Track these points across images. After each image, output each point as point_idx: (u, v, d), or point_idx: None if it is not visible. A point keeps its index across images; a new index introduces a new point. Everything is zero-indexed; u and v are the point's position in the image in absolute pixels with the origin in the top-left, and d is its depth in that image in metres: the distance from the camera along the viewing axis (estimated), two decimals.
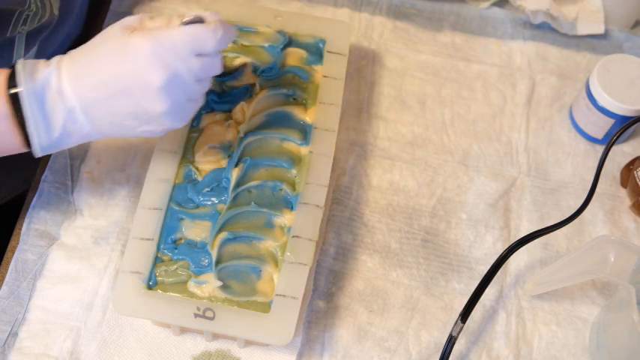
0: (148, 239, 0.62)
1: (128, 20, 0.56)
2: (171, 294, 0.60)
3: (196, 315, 0.59)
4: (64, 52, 0.79)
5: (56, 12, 0.70)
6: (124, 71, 0.54)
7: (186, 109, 0.57)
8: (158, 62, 0.53)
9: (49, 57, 0.76)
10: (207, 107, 0.69)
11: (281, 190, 0.66)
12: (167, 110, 0.55)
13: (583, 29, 0.85)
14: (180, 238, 0.63)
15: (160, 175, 0.65)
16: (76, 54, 0.56)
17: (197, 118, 0.68)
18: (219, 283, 0.61)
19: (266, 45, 0.73)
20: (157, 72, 0.53)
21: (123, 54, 0.54)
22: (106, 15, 0.83)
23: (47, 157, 0.73)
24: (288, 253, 0.62)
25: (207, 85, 0.58)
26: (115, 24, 0.56)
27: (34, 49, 0.71)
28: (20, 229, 0.69)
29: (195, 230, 0.63)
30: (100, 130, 0.57)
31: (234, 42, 0.74)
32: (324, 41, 0.75)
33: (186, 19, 0.55)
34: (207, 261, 0.62)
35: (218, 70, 0.57)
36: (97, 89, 0.55)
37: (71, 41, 0.80)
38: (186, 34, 0.54)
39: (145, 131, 0.57)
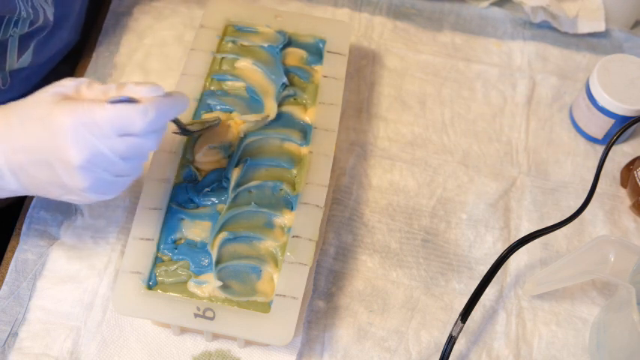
0: (148, 239, 0.62)
1: (65, 85, 0.54)
2: (171, 294, 0.60)
3: (196, 315, 0.59)
4: (62, 58, 0.79)
5: (51, 17, 0.70)
6: (45, 144, 0.52)
7: (115, 184, 0.55)
8: (78, 140, 0.51)
9: (46, 62, 0.76)
10: (207, 107, 0.69)
11: (281, 190, 0.66)
12: (89, 187, 0.53)
13: (584, 27, 0.85)
14: (180, 238, 0.63)
15: (160, 175, 0.65)
16: (9, 110, 0.54)
17: (197, 118, 0.68)
18: (219, 283, 0.61)
19: (266, 45, 0.73)
20: (76, 150, 0.51)
21: (46, 125, 0.52)
22: (106, 15, 0.83)
23: None
24: (288, 253, 0.62)
25: (141, 160, 0.55)
26: (51, 86, 0.54)
27: (29, 52, 0.71)
28: (20, 229, 0.69)
29: (195, 230, 0.63)
30: (28, 190, 0.56)
31: (234, 42, 0.74)
32: (324, 41, 0.75)
33: (113, 98, 0.52)
34: (207, 261, 0.62)
35: (153, 148, 0.54)
36: (20, 154, 0.53)
37: (70, 47, 0.79)
38: (111, 115, 0.51)
39: (71, 199, 0.55)
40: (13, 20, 0.66)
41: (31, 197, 0.71)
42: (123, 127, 0.51)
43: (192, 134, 0.65)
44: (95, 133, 0.51)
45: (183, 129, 0.62)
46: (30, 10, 0.66)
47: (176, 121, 0.61)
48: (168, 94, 0.54)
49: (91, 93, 0.53)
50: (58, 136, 0.51)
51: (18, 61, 0.70)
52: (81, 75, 0.78)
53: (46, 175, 0.53)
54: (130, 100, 0.51)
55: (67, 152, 0.51)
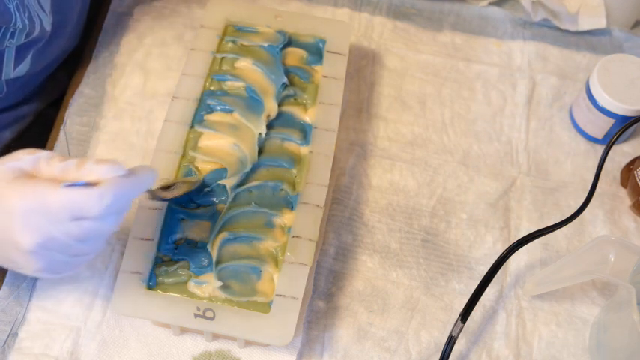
0: (148, 239, 0.62)
1: (22, 159, 0.51)
2: (171, 294, 0.60)
3: (196, 315, 0.59)
4: (60, 66, 0.79)
5: (48, 28, 0.70)
6: None
7: (72, 264, 0.53)
8: (29, 225, 0.48)
9: (43, 69, 0.76)
10: (207, 108, 0.69)
11: (281, 190, 0.66)
12: (42, 268, 0.51)
13: (584, 24, 0.85)
14: (181, 238, 0.63)
15: (160, 175, 0.65)
16: None
17: (197, 118, 0.68)
18: (220, 283, 0.61)
19: (266, 45, 0.73)
20: (28, 235, 0.49)
21: None
22: (106, 15, 0.83)
23: None
24: (288, 253, 0.62)
25: (99, 241, 0.53)
26: (9, 159, 0.51)
27: (26, 62, 0.71)
28: None
29: (195, 230, 0.63)
30: None
31: (234, 42, 0.74)
32: (324, 41, 0.75)
33: (67, 183, 0.49)
34: (207, 261, 0.62)
35: (112, 230, 0.51)
36: None
37: (67, 53, 0.79)
38: (64, 200, 0.48)
39: (27, 273, 0.53)
40: (9, 32, 0.66)
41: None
42: (77, 212, 0.49)
43: (168, 201, 0.62)
44: (48, 218, 0.48)
45: (158, 198, 0.60)
46: (26, 20, 0.66)
47: (149, 192, 0.58)
48: (130, 173, 0.51)
49: (49, 170, 0.51)
50: (9, 219, 0.49)
51: (14, 70, 0.70)
52: (81, 76, 0.78)
53: (1, 254, 0.51)
54: (87, 184, 0.49)
55: (18, 236, 0.49)
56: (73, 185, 0.49)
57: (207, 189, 0.65)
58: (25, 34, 0.67)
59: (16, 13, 0.64)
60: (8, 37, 0.66)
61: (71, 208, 0.48)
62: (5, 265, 0.54)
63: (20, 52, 0.69)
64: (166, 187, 0.62)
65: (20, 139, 0.79)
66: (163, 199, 0.61)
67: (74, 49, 0.80)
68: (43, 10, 0.68)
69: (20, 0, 0.64)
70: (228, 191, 0.65)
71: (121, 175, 0.51)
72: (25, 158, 0.51)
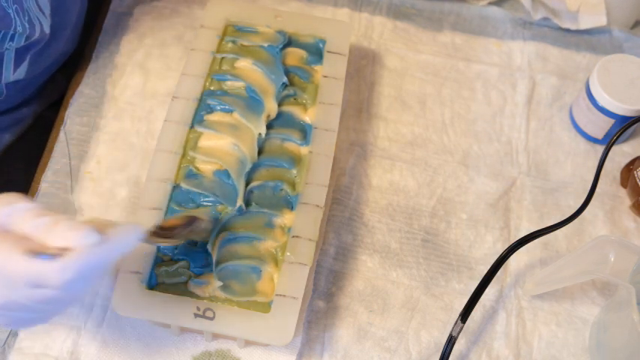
0: None
1: None
2: (171, 294, 0.60)
3: (196, 315, 0.59)
4: (59, 69, 0.79)
5: (47, 30, 0.70)
6: None
7: (37, 320, 0.51)
8: None
9: (42, 72, 0.76)
10: (207, 108, 0.69)
11: (281, 190, 0.66)
12: (5, 325, 0.50)
13: (585, 22, 0.85)
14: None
15: (160, 175, 0.65)
16: None
17: (197, 118, 0.68)
18: (220, 284, 0.61)
19: (266, 45, 0.73)
20: None
21: None
22: (106, 15, 0.83)
23: (47, 158, 0.73)
24: (288, 253, 0.62)
25: (67, 304, 0.51)
26: None
27: (24, 64, 0.71)
28: None
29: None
30: None
31: (234, 42, 0.74)
32: (324, 41, 0.75)
33: (31, 252, 0.46)
34: (207, 261, 0.62)
35: (77, 299, 0.51)
36: None
37: (66, 56, 0.79)
38: (23, 269, 0.46)
39: None
40: (9, 35, 0.66)
41: (32, 197, 0.71)
42: (36, 282, 0.47)
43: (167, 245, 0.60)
44: (6, 283, 0.47)
45: (153, 243, 0.57)
46: (26, 24, 0.66)
47: (146, 240, 0.54)
48: (104, 240, 0.48)
49: (21, 226, 0.48)
50: None
51: (14, 73, 0.70)
52: (81, 76, 0.78)
53: None
54: (50, 256, 0.46)
55: None
56: (35, 256, 0.46)
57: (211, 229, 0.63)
58: (24, 37, 0.67)
59: (16, 17, 0.64)
60: (8, 39, 0.66)
61: (30, 277, 0.47)
62: None
63: (19, 55, 0.69)
64: (168, 228, 0.59)
65: (20, 141, 0.79)
66: (164, 244, 0.58)
67: (73, 52, 0.80)
68: (43, 14, 0.68)
69: (20, 4, 0.64)
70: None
71: (92, 243, 0.47)
72: (3, 209, 0.49)
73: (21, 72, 0.71)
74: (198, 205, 0.64)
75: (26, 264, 0.46)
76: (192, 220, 0.60)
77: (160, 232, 0.57)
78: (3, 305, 0.48)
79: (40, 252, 0.46)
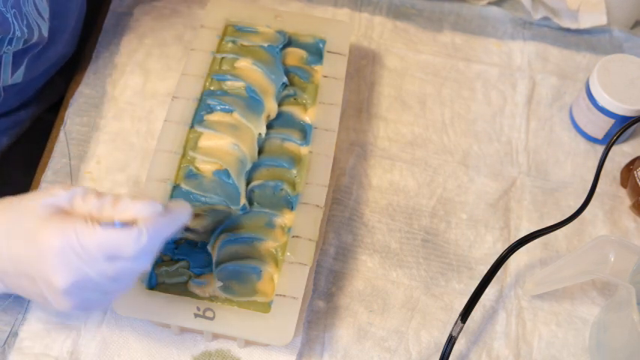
0: None
1: (57, 194, 0.50)
2: (171, 294, 0.60)
3: (196, 315, 0.59)
4: (58, 71, 0.79)
5: (45, 34, 0.69)
6: (30, 262, 0.50)
7: (102, 301, 0.53)
8: (64, 264, 0.48)
9: (40, 75, 0.76)
10: (207, 108, 0.69)
11: (281, 190, 0.66)
12: (73, 307, 0.51)
13: (585, 21, 0.85)
14: (181, 238, 0.63)
15: (160, 175, 0.65)
16: (1, 216, 0.52)
17: (197, 118, 0.68)
18: (220, 284, 0.61)
19: (266, 45, 0.73)
20: (62, 275, 0.48)
21: (31, 243, 0.49)
22: (106, 15, 0.83)
23: (47, 158, 0.73)
24: (289, 253, 0.62)
25: (131, 280, 0.52)
26: (43, 194, 0.51)
27: (22, 67, 0.71)
28: None
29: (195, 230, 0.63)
30: (17, 293, 0.55)
31: (234, 42, 0.74)
32: (324, 41, 0.75)
33: (105, 223, 0.48)
34: (207, 261, 0.62)
35: (145, 269, 0.51)
36: (6, 263, 0.51)
37: (65, 60, 0.79)
38: (101, 240, 0.48)
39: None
40: (7, 38, 0.65)
41: None
42: (113, 253, 0.48)
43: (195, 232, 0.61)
44: (83, 258, 0.48)
45: (188, 230, 0.59)
46: (25, 28, 0.65)
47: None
48: (166, 211, 0.51)
49: (85, 207, 0.50)
50: (44, 258, 0.49)
51: (12, 77, 0.70)
52: (81, 76, 0.78)
53: (31, 289, 0.51)
54: (124, 224, 0.48)
55: (52, 275, 0.49)
56: (110, 225, 0.48)
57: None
58: (22, 40, 0.67)
59: (14, 22, 0.64)
60: (6, 43, 0.66)
61: (107, 248, 0.48)
62: (36, 300, 0.54)
63: (16, 58, 0.69)
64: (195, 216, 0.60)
65: (18, 143, 0.79)
66: (193, 230, 0.60)
67: (72, 53, 0.80)
68: (42, 17, 0.68)
69: (18, 8, 0.64)
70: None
71: (158, 212, 0.50)
72: (60, 194, 0.50)
73: (19, 75, 0.71)
74: (204, 204, 0.64)
75: (103, 235, 0.48)
76: (214, 211, 0.62)
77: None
78: (77, 283, 0.49)
79: (114, 223, 0.48)
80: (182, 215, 0.52)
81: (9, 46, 0.66)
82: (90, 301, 0.51)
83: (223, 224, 0.63)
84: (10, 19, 0.63)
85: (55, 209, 0.50)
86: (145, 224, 0.49)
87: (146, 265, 0.50)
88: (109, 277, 0.49)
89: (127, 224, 0.48)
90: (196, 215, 0.61)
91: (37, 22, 0.67)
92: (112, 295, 0.53)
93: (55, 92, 0.81)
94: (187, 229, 0.61)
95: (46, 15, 0.69)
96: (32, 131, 0.80)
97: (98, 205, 0.50)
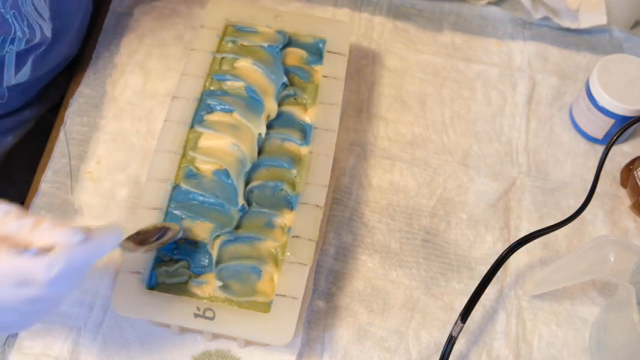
0: None
1: None
2: (171, 294, 0.60)
3: (196, 315, 0.59)
4: (61, 71, 0.79)
5: (48, 34, 0.69)
6: None
7: (22, 322, 0.50)
8: None
9: (44, 76, 0.76)
10: (207, 108, 0.69)
11: (281, 190, 0.66)
12: None
13: (585, 21, 0.85)
14: (181, 238, 0.63)
15: (160, 175, 0.65)
16: None
17: (197, 118, 0.68)
18: (220, 284, 0.61)
19: (266, 45, 0.73)
20: None
21: None
22: (106, 15, 0.83)
23: (47, 158, 0.73)
24: (288, 253, 0.62)
25: (50, 305, 0.50)
26: None
27: (26, 67, 0.70)
28: None
29: (195, 230, 0.63)
30: None
31: (234, 42, 0.74)
32: (324, 41, 0.75)
33: (16, 249, 0.46)
34: (207, 261, 0.62)
35: (63, 296, 0.49)
36: None
37: (69, 60, 0.79)
38: (8, 266, 0.46)
39: None
40: (9, 39, 0.65)
41: (32, 197, 0.71)
42: (23, 280, 0.46)
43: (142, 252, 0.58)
44: None
45: (130, 251, 0.56)
46: (25, 29, 0.65)
47: (121, 246, 0.54)
48: (88, 238, 0.48)
49: (3, 227, 0.48)
50: None
51: (16, 76, 0.70)
52: (81, 76, 0.78)
53: None
54: (37, 251, 0.46)
55: None
56: (22, 251, 0.46)
57: (188, 241, 0.63)
58: (25, 40, 0.67)
59: (14, 22, 0.64)
60: (8, 43, 0.66)
61: (17, 275, 0.46)
62: None
63: (20, 58, 0.69)
64: (144, 233, 0.59)
65: (22, 143, 0.79)
66: (135, 250, 0.57)
67: (73, 62, 0.80)
68: (42, 18, 0.68)
69: (18, 9, 0.64)
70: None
71: (77, 241, 0.48)
72: None
73: (23, 75, 0.71)
74: (202, 203, 0.64)
75: (12, 261, 0.46)
76: (164, 231, 0.60)
77: (135, 237, 0.58)
78: None
79: (25, 249, 0.46)
80: (108, 243, 0.50)
81: (11, 46, 0.66)
82: (7, 323, 0.49)
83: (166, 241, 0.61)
84: (10, 20, 0.63)
85: None
86: (60, 252, 0.47)
87: (66, 290, 0.48)
88: (23, 301, 0.47)
89: (41, 251, 0.46)
90: (141, 233, 0.59)
91: (37, 23, 0.67)
92: (34, 317, 0.50)
93: (59, 92, 0.81)
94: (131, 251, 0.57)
95: (46, 15, 0.68)
96: (36, 131, 0.80)
97: (17, 226, 0.48)
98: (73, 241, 0.47)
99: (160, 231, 0.60)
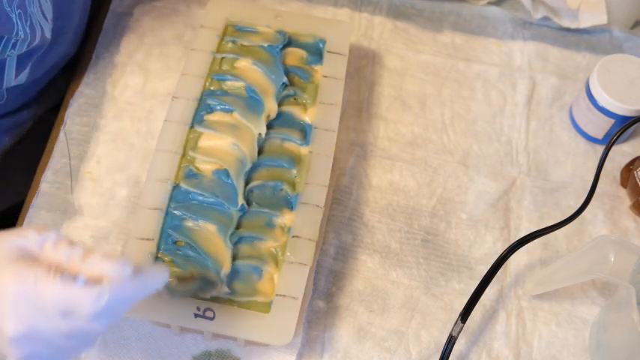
0: (148, 239, 0.62)
1: (29, 237, 0.48)
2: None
3: (196, 315, 0.59)
4: (61, 71, 0.79)
5: (48, 35, 0.69)
6: None
7: (54, 357, 0.49)
8: (17, 311, 0.45)
9: (43, 77, 0.75)
10: (207, 108, 0.69)
11: (281, 190, 0.66)
12: (23, 358, 0.47)
13: (586, 20, 0.85)
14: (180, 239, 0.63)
15: (160, 175, 0.65)
16: None
17: (197, 118, 0.68)
18: (227, 290, 0.60)
19: (266, 45, 0.73)
20: (12, 321, 0.45)
21: None
22: (106, 15, 0.83)
23: (47, 158, 0.73)
24: (289, 253, 0.62)
25: (87, 341, 0.49)
26: (15, 234, 0.48)
27: (25, 71, 0.71)
28: None
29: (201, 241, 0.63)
30: None
31: (234, 42, 0.74)
32: (324, 41, 0.75)
33: (67, 274, 0.45)
34: (216, 277, 0.62)
35: (102, 331, 0.48)
36: None
37: (67, 59, 0.79)
38: (57, 294, 0.45)
39: None
40: (11, 42, 0.65)
41: (32, 197, 0.71)
42: (69, 309, 0.45)
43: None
44: (38, 309, 0.45)
45: (176, 294, 0.57)
46: (27, 29, 0.65)
47: (167, 289, 0.55)
48: (137, 274, 0.47)
49: (54, 255, 0.47)
50: (0, 300, 0.46)
51: (15, 79, 0.70)
52: (81, 76, 0.78)
53: None
54: (86, 281, 0.45)
55: (3, 321, 0.46)
56: (72, 280, 0.45)
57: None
58: (26, 43, 0.67)
59: (18, 22, 0.64)
60: (10, 47, 0.66)
61: (63, 303, 0.45)
62: None
63: (21, 61, 0.69)
64: (182, 278, 0.59)
65: (21, 143, 0.79)
66: (175, 296, 0.58)
67: (73, 55, 0.80)
68: (45, 18, 0.68)
69: (24, 9, 0.64)
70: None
71: (127, 274, 0.47)
72: (31, 236, 0.48)
73: (23, 77, 0.71)
74: (202, 203, 0.64)
75: (61, 288, 0.45)
76: (204, 278, 0.60)
77: (178, 280, 0.58)
78: (27, 333, 0.46)
79: (75, 278, 0.45)
80: (156, 281, 0.49)
81: (12, 50, 0.66)
82: (40, 356, 0.48)
83: (206, 290, 0.60)
84: (14, 19, 0.63)
85: (22, 252, 0.47)
86: (108, 286, 0.46)
87: (103, 327, 0.47)
88: (62, 334, 0.46)
89: (90, 281, 0.46)
90: (182, 279, 0.59)
91: (40, 24, 0.67)
92: (67, 354, 0.49)
93: (57, 92, 0.81)
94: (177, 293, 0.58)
95: (50, 16, 0.68)
96: (34, 131, 0.80)
97: (68, 254, 0.47)
98: (123, 275, 0.47)
99: (201, 276, 0.60)
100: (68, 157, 0.73)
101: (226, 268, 0.61)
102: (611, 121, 0.76)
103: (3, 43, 0.65)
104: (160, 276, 0.49)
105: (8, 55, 0.67)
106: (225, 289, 0.60)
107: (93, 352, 0.63)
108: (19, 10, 0.63)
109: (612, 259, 0.62)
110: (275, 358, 0.64)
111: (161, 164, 0.66)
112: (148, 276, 0.48)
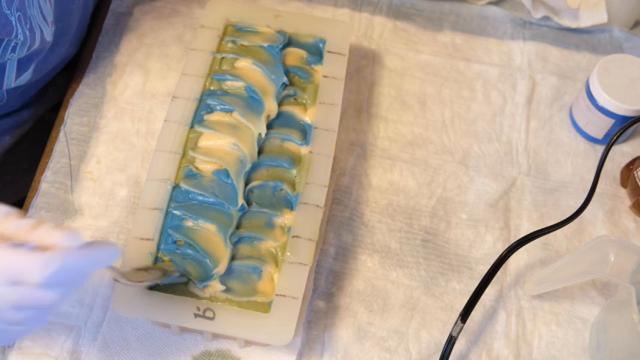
0: (148, 239, 0.62)
1: None
2: (171, 294, 0.60)
3: (196, 315, 0.59)
4: (61, 71, 0.79)
5: (48, 38, 0.69)
6: None
7: (6, 333, 0.48)
8: None
9: (43, 77, 0.75)
10: (207, 108, 0.69)
11: (281, 190, 0.66)
12: None
13: (586, 20, 0.85)
14: (180, 275, 0.62)
15: (160, 175, 0.65)
16: None
17: (197, 118, 0.68)
18: (223, 288, 0.60)
19: (266, 45, 0.73)
20: None
21: None
22: (106, 15, 0.83)
23: (47, 158, 0.73)
24: (288, 253, 0.62)
25: (40, 313, 0.48)
26: None
27: (28, 72, 0.70)
28: None
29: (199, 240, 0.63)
30: None
31: (234, 42, 0.74)
32: (324, 41, 0.75)
33: (15, 242, 0.44)
34: (212, 273, 0.62)
35: (55, 303, 0.46)
36: None
37: (68, 60, 0.79)
38: (4, 259, 0.44)
39: None
40: (11, 45, 0.65)
41: (31, 197, 0.71)
42: (15, 276, 0.44)
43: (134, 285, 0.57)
44: None
45: (121, 280, 0.54)
46: (27, 32, 0.65)
47: (111, 271, 0.53)
48: (88, 246, 0.47)
49: (3, 227, 0.46)
50: None
51: (16, 80, 0.70)
52: (81, 76, 0.78)
53: None
54: (35, 247, 0.44)
55: None
56: (19, 246, 0.44)
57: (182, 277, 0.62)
58: (26, 47, 0.67)
59: (18, 25, 0.64)
60: (9, 50, 0.66)
61: (9, 269, 0.44)
62: None
63: (22, 64, 0.69)
64: (140, 270, 0.59)
65: (20, 143, 0.79)
66: (127, 283, 0.55)
67: (71, 63, 0.80)
68: (45, 21, 0.68)
69: (23, 11, 0.64)
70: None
71: (76, 245, 0.46)
72: None
73: (24, 79, 0.71)
74: (202, 203, 0.64)
75: (7, 255, 0.44)
76: (163, 273, 0.60)
77: (132, 273, 0.57)
78: None
79: (22, 244, 0.45)
80: (105, 256, 0.48)
81: (12, 53, 0.66)
82: None
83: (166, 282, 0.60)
84: (13, 22, 0.63)
85: None
86: (57, 253, 0.45)
87: (56, 299, 0.46)
88: (11, 304, 0.45)
89: (38, 248, 0.45)
90: (139, 269, 0.59)
91: (39, 26, 0.67)
92: (17, 329, 0.48)
93: (58, 92, 0.81)
94: (122, 281, 0.56)
95: (50, 19, 0.68)
96: (34, 131, 0.80)
97: (16, 226, 0.46)
98: (72, 245, 0.46)
99: (160, 271, 0.60)
100: (68, 157, 0.73)
101: (222, 268, 0.61)
102: (611, 121, 0.76)
103: (3, 46, 0.65)
104: (112, 251, 0.48)
105: (8, 59, 0.67)
106: (220, 287, 0.60)
107: (93, 352, 0.63)
108: (18, 13, 0.63)
109: (612, 259, 0.62)
110: (275, 358, 0.64)
111: (161, 164, 0.66)
112: (98, 249, 0.48)
